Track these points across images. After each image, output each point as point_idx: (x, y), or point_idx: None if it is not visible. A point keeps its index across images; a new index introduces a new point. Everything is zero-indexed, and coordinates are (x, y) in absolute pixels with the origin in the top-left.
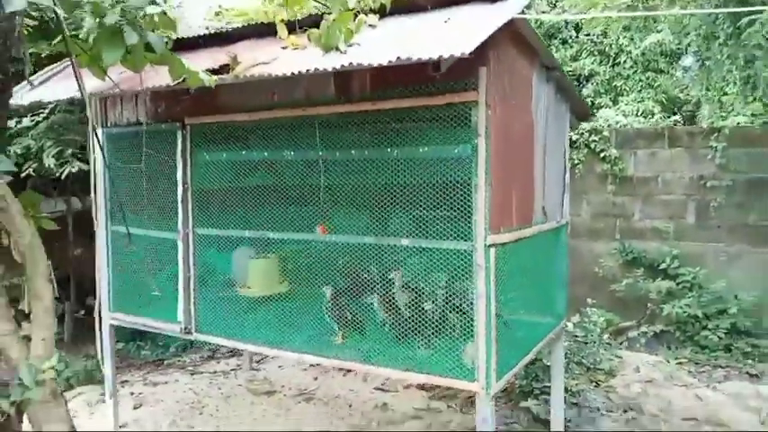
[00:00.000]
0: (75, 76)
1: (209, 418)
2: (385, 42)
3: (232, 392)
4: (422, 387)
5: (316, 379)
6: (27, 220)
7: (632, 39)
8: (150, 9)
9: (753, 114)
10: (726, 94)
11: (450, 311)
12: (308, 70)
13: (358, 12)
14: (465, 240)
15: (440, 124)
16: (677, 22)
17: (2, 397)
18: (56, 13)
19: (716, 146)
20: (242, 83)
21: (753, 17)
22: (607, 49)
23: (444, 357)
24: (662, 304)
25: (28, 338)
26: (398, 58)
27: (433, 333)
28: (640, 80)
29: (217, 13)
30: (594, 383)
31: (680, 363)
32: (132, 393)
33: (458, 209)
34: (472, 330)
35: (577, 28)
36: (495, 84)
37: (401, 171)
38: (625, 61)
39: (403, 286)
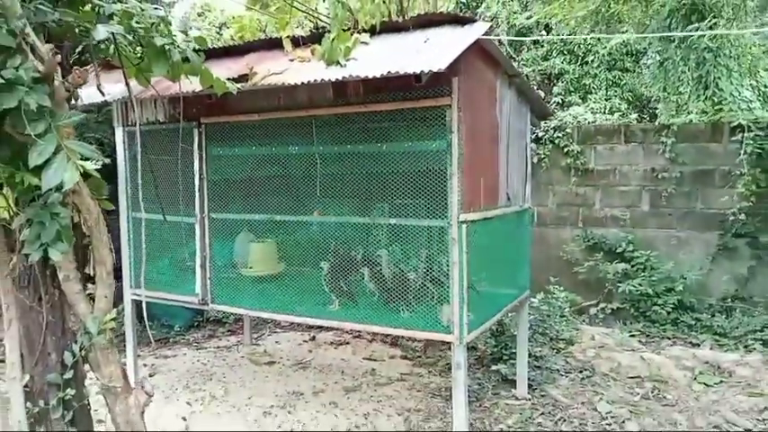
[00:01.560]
0: (126, 84)
1: (218, 382)
2: (376, 57)
3: (236, 363)
4: (405, 357)
5: (310, 351)
6: (93, 201)
7: (599, 40)
8: (192, 33)
9: (703, 112)
10: (680, 93)
11: (430, 281)
12: (315, 80)
13: (353, 31)
14: (441, 219)
15: (420, 123)
16: (639, 24)
17: (73, 342)
18: (113, 36)
19: (666, 141)
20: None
21: (699, 24)
22: (576, 48)
23: (425, 317)
24: (618, 284)
25: (91, 297)
26: (389, 72)
27: (415, 298)
28: (607, 78)
29: (199, 14)
30: (555, 350)
31: (633, 335)
32: (145, 365)
33: (435, 193)
34: (448, 295)
35: (548, 28)
36: (464, 90)
37: (387, 162)
38: (593, 60)
39: (389, 261)
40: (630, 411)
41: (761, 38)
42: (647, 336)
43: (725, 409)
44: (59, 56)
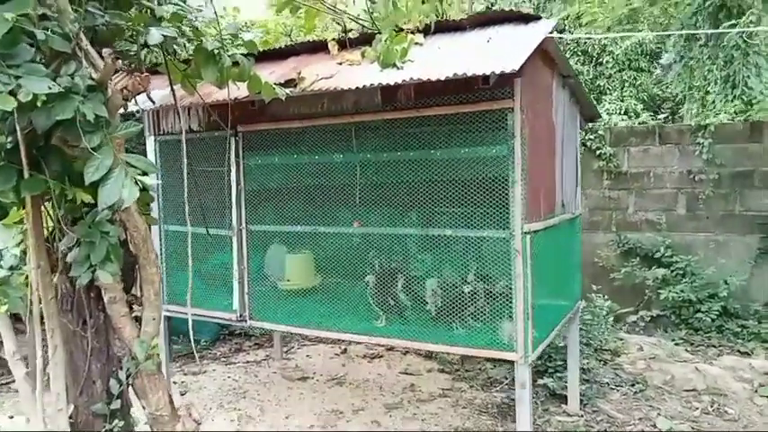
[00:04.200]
0: (172, 90)
1: (252, 401)
2: (434, 59)
3: (268, 379)
4: (442, 370)
5: (344, 365)
6: (141, 217)
7: (615, 40)
8: (246, 35)
9: (735, 112)
10: (708, 93)
11: (488, 295)
12: (373, 84)
13: (407, 31)
14: (502, 229)
15: (477, 128)
16: (655, 23)
17: (119, 369)
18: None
19: (702, 142)
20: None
21: (733, 21)
22: (590, 49)
23: (484, 334)
24: (658, 290)
25: (136, 319)
26: (455, 74)
27: (472, 314)
28: (622, 79)
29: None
30: (602, 362)
31: (677, 344)
32: (175, 383)
33: (493, 202)
34: (510, 309)
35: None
36: (526, 92)
37: (439, 170)
38: (607, 61)
39: (441, 275)
40: (692, 428)
41: None
42: (692, 344)
43: None
44: (120, 61)
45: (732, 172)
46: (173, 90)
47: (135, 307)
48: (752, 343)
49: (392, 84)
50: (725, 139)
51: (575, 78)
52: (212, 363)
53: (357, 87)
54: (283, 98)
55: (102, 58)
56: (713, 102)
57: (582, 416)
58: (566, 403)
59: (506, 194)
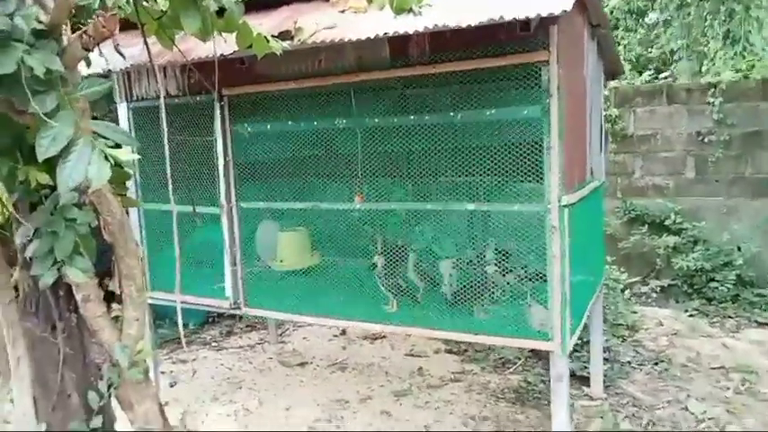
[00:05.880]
0: (145, 44)
1: (250, 391)
2: (459, 2)
3: (265, 366)
4: (450, 351)
5: (344, 348)
6: (116, 198)
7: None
8: None
9: (737, 70)
10: (707, 48)
11: (520, 278)
12: (386, 33)
13: None
14: (537, 202)
15: (503, 85)
16: None
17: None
18: None
19: (713, 101)
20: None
21: None
22: None
23: (513, 320)
24: (669, 259)
25: (115, 319)
26: (491, 18)
27: (501, 299)
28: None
29: None
30: (621, 338)
31: (691, 315)
32: (163, 372)
33: (523, 170)
34: (540, 294)
35: None
36: (561, 43)
37: (457, 136)
38: None
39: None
40: (726, 411)
41: None
42: (706, 315)
43: None
44: None
45: (743, 132)
46: (146, 44)
47: (114, 305)
48: None
49: (418, 31)
50: (736, 98)
51: (607, 29)
52: (202, 348)
53: (370, 38)
54: (279, 53)
55: None
56: (712, 59)
57: (606, 398)
58: (587, 385)
59: (539, 162)
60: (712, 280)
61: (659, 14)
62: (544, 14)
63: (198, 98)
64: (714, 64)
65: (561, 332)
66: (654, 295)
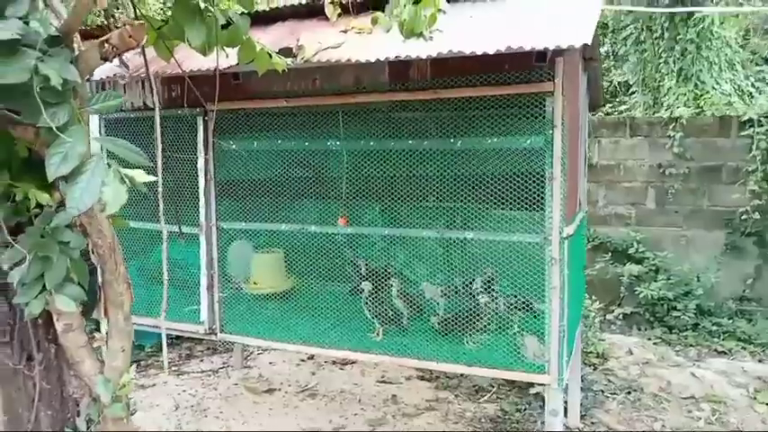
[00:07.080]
0: (144, 57)
1: (216, 420)
2: (470, 29)
3: (230, 392)
4: (422, 378)
5: (313, 374)
6: (108, 221)
7: None
8: None
9: (697, 105)
10: (659, 87)
11: (515, 308)
12: (403, 57)
13: None
14: (536, 233)
15: (504, 114)
16: (616, 19)
17: (76, 416)
18: None
19: (674, 135)
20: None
21: (689, 16)
22: None
23: (505, 352)
24: (633, 287)
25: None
26: (509, 47)
27: (496, 329)
28: None
29: None
30: (592, 366)
31: (654, 343)
32: None
33: (523, 201)
34: (533, 325)
35: None
36: (566, 75)
37: (454, 163)
38: None
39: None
40: None
41: (740, 31)
42: (669, 344)
43: None
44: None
45: (701, 166)
46: (144, 58)
47: (96, 334)
48: (728, 342)
49: (432, 56)
50: (695, 133)
51: (598, 62)
52: (161, 373)
53: (380, 60)
54: (283, 70)
55: None
56: (665, 94)
57: (582, 428)
58: (564, 415)
59: (540, 192)
60: (674, 309)
61: (609, 47)
62: (564, 46)
63: (179, 112)
64: (668, 99)
65: (558, 365)
66: (618, 323)
